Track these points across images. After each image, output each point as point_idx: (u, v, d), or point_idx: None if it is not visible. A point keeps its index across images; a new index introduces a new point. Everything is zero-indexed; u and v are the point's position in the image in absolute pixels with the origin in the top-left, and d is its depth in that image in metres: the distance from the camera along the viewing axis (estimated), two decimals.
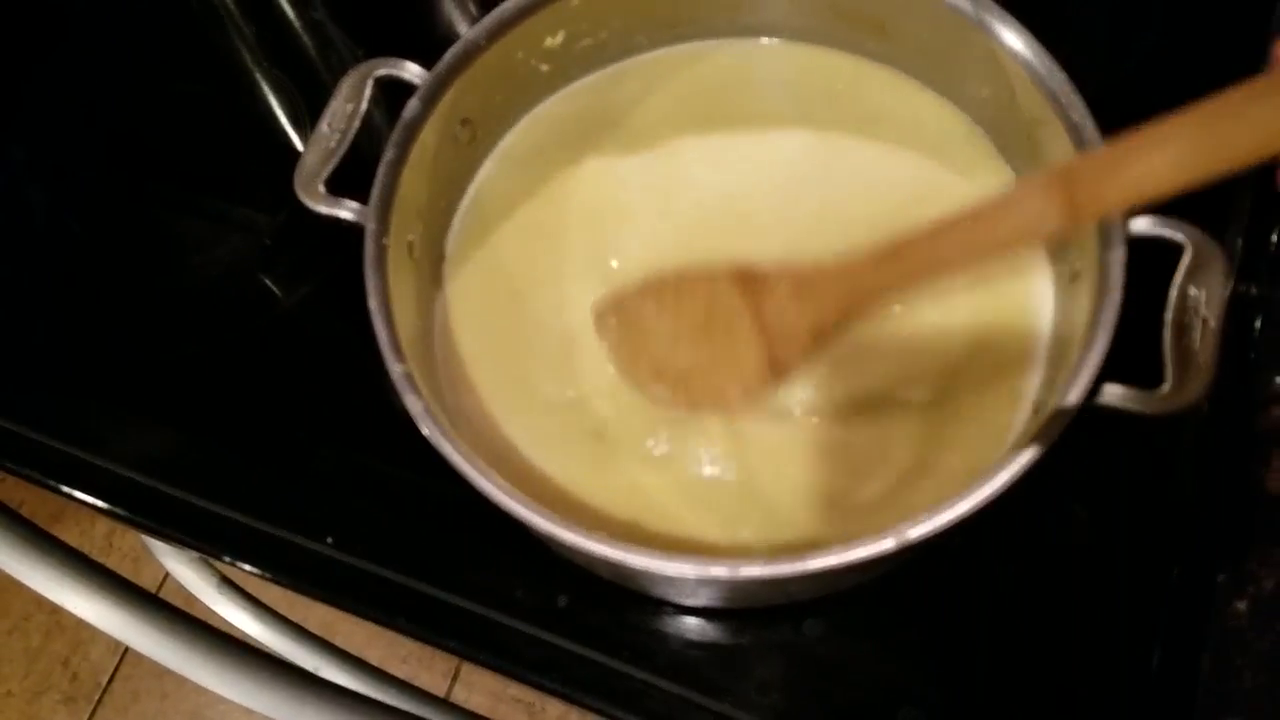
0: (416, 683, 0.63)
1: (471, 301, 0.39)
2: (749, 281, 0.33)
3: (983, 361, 0.36)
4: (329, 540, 0.39)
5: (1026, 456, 0.29)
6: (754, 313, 0.33)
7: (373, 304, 0.33)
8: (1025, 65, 0.35)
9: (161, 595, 0.94)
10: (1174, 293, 0.31)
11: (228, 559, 0.39)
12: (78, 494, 0.41)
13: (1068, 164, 0.27)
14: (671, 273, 0.35)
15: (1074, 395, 0.30)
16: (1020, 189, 0.28)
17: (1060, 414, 0.30)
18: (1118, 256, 0.31)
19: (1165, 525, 0.36)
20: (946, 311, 0.37)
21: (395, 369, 0.32)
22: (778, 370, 0.33)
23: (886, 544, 0.28)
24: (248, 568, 0.39)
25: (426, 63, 0.38)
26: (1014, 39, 0.35)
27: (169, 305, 0.46)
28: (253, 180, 0.49)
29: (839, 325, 0.32)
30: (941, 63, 0.39)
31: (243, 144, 0.51)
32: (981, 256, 0.29)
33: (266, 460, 0.42)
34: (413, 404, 0.31)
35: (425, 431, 0.31)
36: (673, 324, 0.35)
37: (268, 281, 0.46)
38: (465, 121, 0.39)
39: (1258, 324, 0.38)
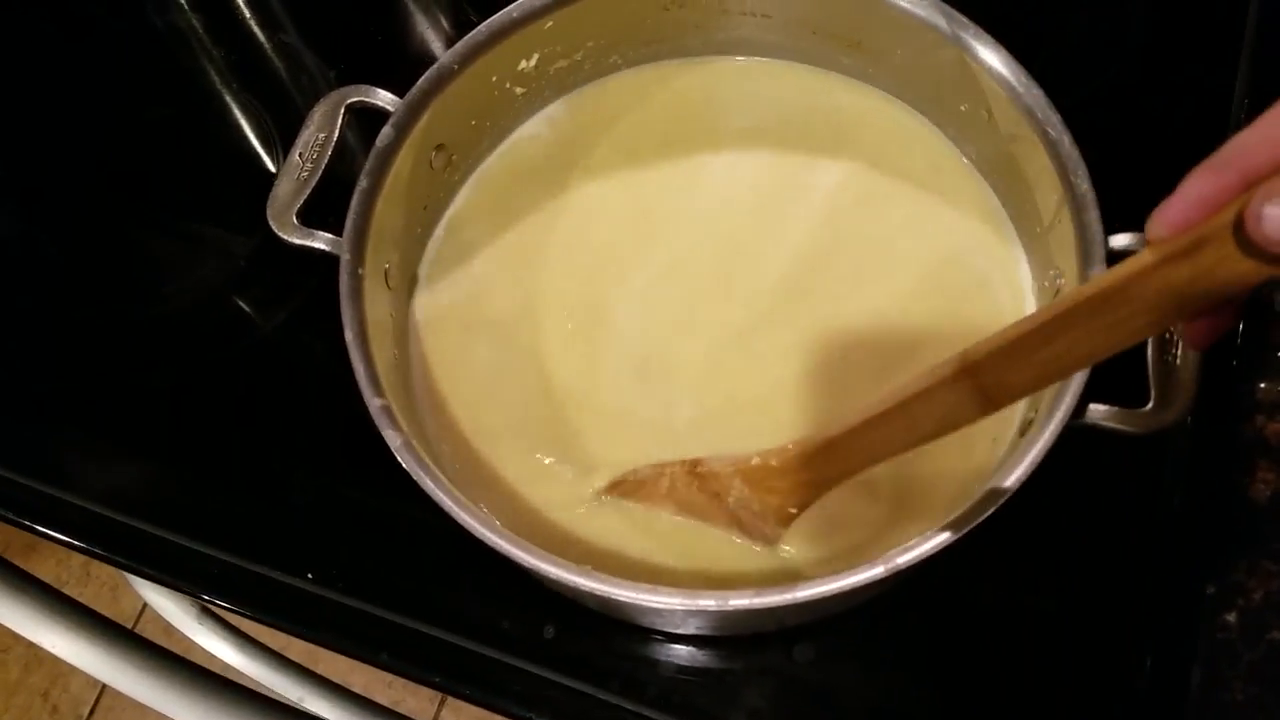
0: (402, 708, 0.62)
1: (448, 330, 0.39)
2: (703, 479, 0.34)
3: None
4: (309, 575, 0.38)
5: (1013, 479, 0.29)
6: (719, 503, 0.34)
7: (349, 336, 0.33)
8: (1001, 81, 0.35)
9: (140, 625, 0.93)
10: None
11: (205, 597, 0.39)
12: (50, 532, 0.40)
13: (967, 355, 0.27)
14: (633, 472, 0.36)
15: (1059, 416, 0.29)
16: (934, 387, 0.28)
17: (1046, 435, 0.29)
18: (1099, 273, 0.31)
19: (1152, 537, 0.36)
20: (928, 329, 0.37)
21: (374, 403, 0.32)
22: (764, 539, 0.34)
23: (876, 571, 0.28)
24: (225, 605, 0.38)
25: (399, 85, 0.37)
26: (990, 55, 0.35)
27: (142, 332, 0.45)
28: (226, 203, 0.48)
29: (800, 508, 0.33)
30: (918, 79, 0.39)
31: (215, 167, 0.50)
32: (907, 449, 0.30)
33: (243, 493, 0.41)
34: (392, 438, 0.31)
35: (406, 465, 0.30)
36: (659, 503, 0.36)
37: (244, 305, 0.46)
38: (440, 147, 0.39)
39: (1239, 331, 0.38)
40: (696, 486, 0.34)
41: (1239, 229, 0.20)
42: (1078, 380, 0.30)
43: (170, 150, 0.50)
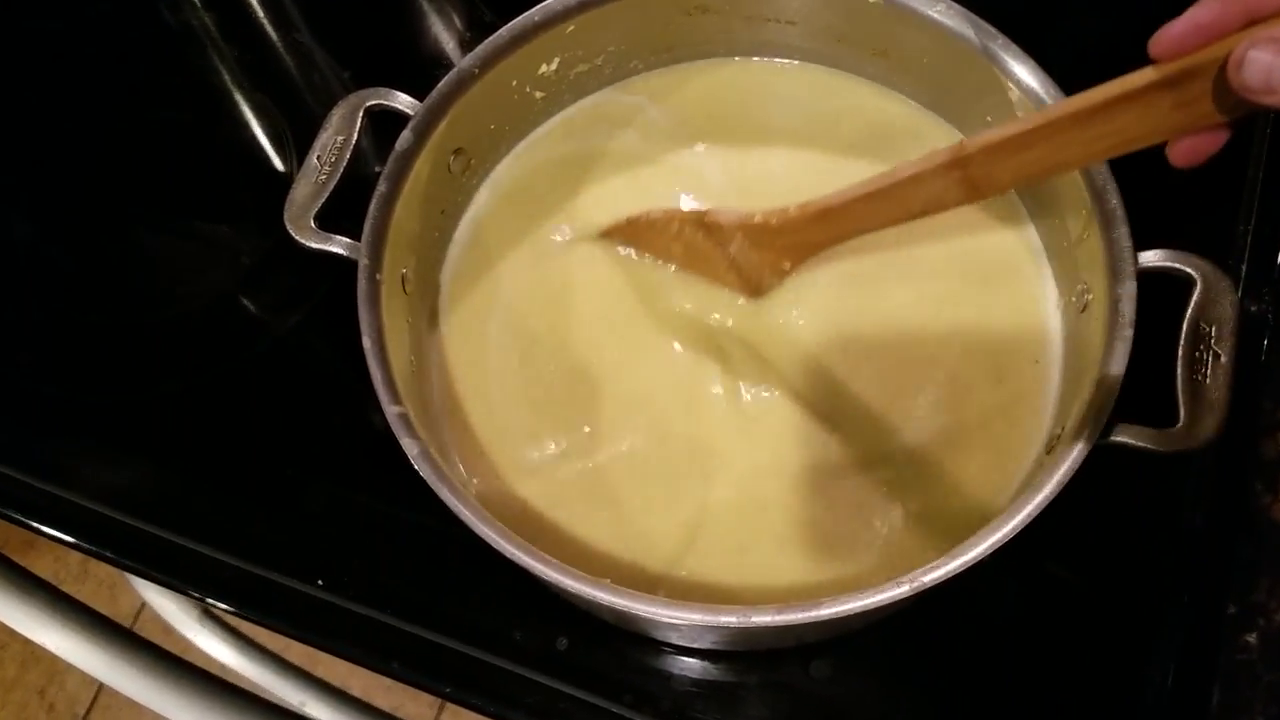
0: (401, 713, 0.62)
1: (469, 336, 0.38)
2: (710, 229, 0.37)
3: (992, 397, 0.36)
4: (319, 582, 0.38)
5: (1040, 498, 0.29)
6: (722, 251, 0.37)
7: (367, 342, 0.32)
8: (1029, 93, 0.34)
9: (139, 625, 0.92)
10: (1185, 327, 0.31)
11: (214, 602, 0.38)
12: (63, 536, 0.40)
13: (963, 147, 0.29)
14: (644, 214, 0.38)
15: (1087, 435, 0.29)
16: (925, 171, 0.30)
17: (1074, 453, 0.29)
18: (1128, 291, 0.31)
19: (1173, 557, 0.36)
20: (950, 339, 0.37)
21: (391, 410, 0.31)
22: (756, 290, 0.37)
23: (901, 590, 0.28)
24: (234, 611, 0.38)
25: (413, 86, 0.37)
26: (1018, 66, 0.34)
27: (154, 336, 0.45)
28: (238, 206, 0.48)
29: (793, 265, 0.37)
30: (945, 88, 0.39)
31: (226, 169, 0.49)
32: (896, 222, 0.33)
33: (254, 499, 0.40)
34: (409, 446, 0.30)
35: (424, 474, 0.30)
36: (663, 250, 0.38)
37: (255, 310, 0.45)
38: (459, 151, 0.38)
39: (1264, 345, 0.38)
40: (702, 234, 0.37)
41: (1224, 68, 0.22)
42: (1107, 399, 0.29)
43: (182, 151, 0.49)
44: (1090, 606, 0.36)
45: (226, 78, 0.52)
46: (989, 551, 0.28)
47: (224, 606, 0.38)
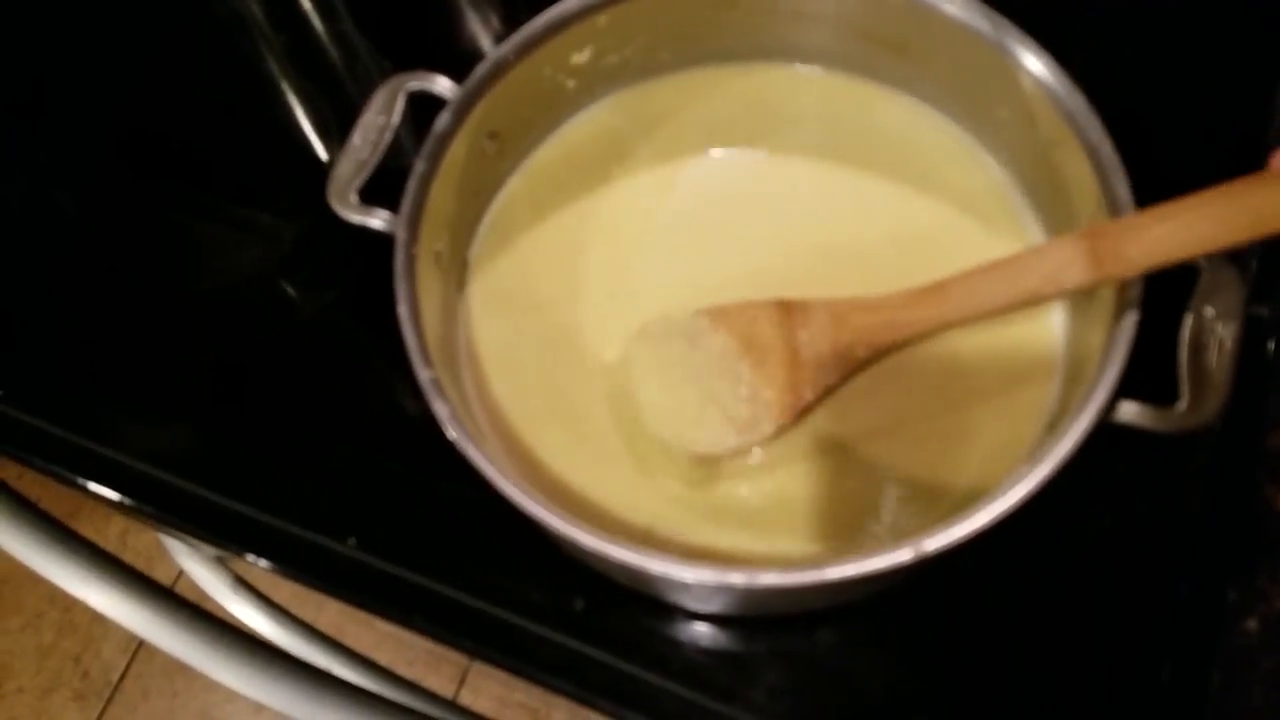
0: (424, 685, 0.64)
1: (494, 312, 0.40)
2: (789, 311, 0.36)
3: (996, 377, 0.37)
4: (350, 541, 0.39)
5: (1044, 472, 0.30)
6: (789, 341, 0.35)
7: (402, 311, 0.34)
8: (1043, 86, 0.35)
9: (177, 589, 0.95)
10: (1190, 313, 0.32)
11: (250, 556, 0.40)
12: (97, 488, 0.42)
13: (1094, 226, 0.30)
14: (715, 306, 0.37)
15: (1090, 413, 0.30)
16: (1050, 244, 0.31)
17: (1076, 431, 0.30)
18: (1136, 276, 0.32)
19: (1175, 542, 0.37)
20: (958, 329, 0.38)
21: (424, 374, 0.33)
22: (801, 402, 0.35)
23: (903, 555, 0.29)
24: (266, 564, 0.40)
25: (451, 75, 0.39)
26: (1032, 60, 0.35)
27: (191, 308, 0.47)
28: (277, 188, 0.50)
29: (867, 358, 0.35)
30: (960, 85, 0.40)
31: (268, 152, 0.51)
32: (1013, 305, 0.32)
33: (287, 460, 0.42)
34: (440, 409, 0.32)
35: (452, 435, 0.32)
36: (706, 355, 0.37)
37: (289, 288, 0.47)
38: (493, 135, 0.40)
39: (1270, 346, 0.39)
40: (773, 319, 0.35)
41: None
42: (1111, 378, 0.30)
43: (225, 134, 0.51)
44: (1091, 589, 0.37)
45: (273, 65, 0.54)
46: (993, 521, 0.29)
47: (262, 562, 0.40)
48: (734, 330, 0.36)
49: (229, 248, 0.49)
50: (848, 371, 0.35)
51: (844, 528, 0.35)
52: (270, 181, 0.50)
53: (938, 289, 0.33)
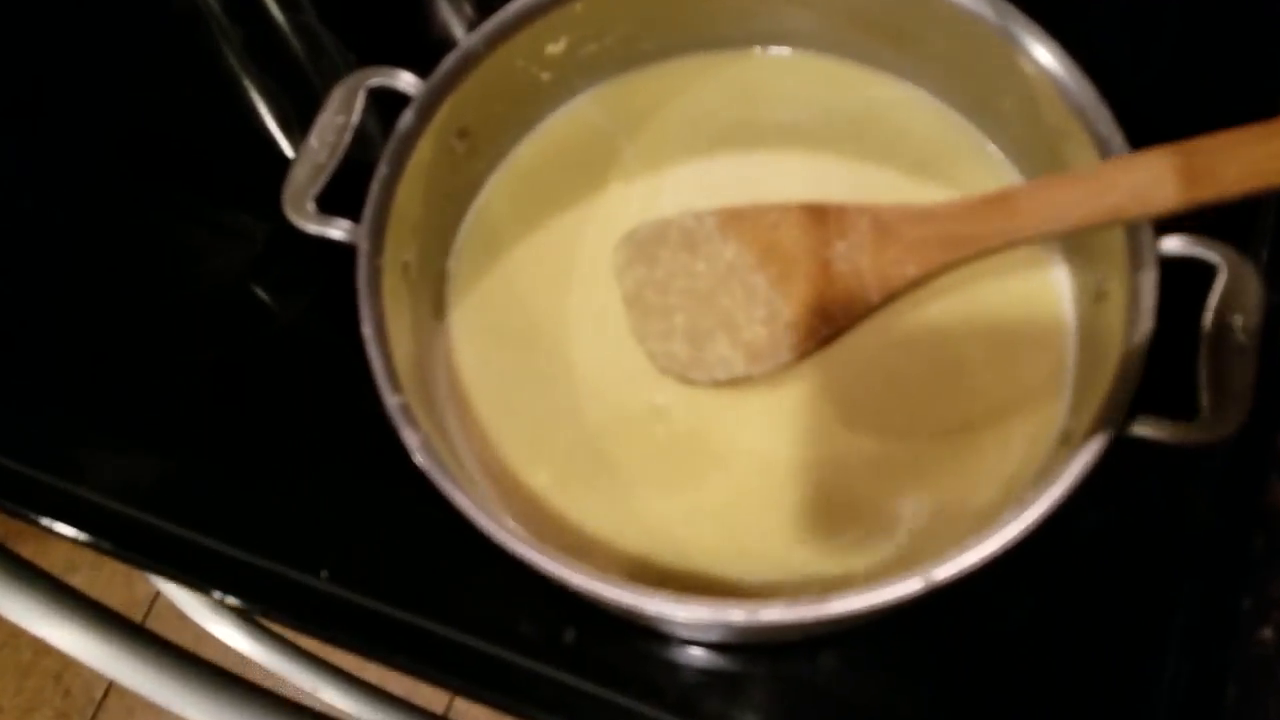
0: (416, 698, 0.62)
1: (477, 327, 0.38)
2: (821, 217, 0.30)
3: (1003, 387, 0.35)
4: (324, 574, 0.37)
5: (1059, 491, 0.28)
6: (819, 253, 0.30)
7: (366, 330, 0.32)
8: (1051, 76, 0.33)
9: (155, 610, 0.92)
10: (1208, 316, 0.30)
11: (217, 594, 0.38)
12: (56, 526, 0.40)
13: (1188, 141, 0.25)
14: (727, 208, 0.32)
15: (1106, 428, 0.28)
16: (1135, 156, 0.26)
17: (1091, 448, 0.28)
18: (1149, 279, 0.30)
19: (1185, 548, 0.35)
20: (964, 334, 0.36)
21: (391, 400, 0.31)
22: (830, 326, 0.30)
23: (913, 586, 0.27)
24: (238, 602, 0.38)
25: (421, 70, 0.36)
26: (1040, 49, 0.33)
27: (155, 321, 0.44)
28: (242, 188, 0.47)
29: (915, 279, 0.29)
30: (961, 73, 0.38)
31: (232, 151, 0.49)
32: (1088, 224, 0.27)
33: (258, 487, 0.40)
34: (410, 438, 0.30)
35: (424, 467, 0.30)
36: (712, 266, 0.31)
37: (261, 294, 0.45)
38: (463, 133, 0.38)
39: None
40: (801, 225, 0.30)
41: None
42: (1126, 392, 0.29)
43: (185, 133, 0.49)
44: (1103, 601, 0.35)
45: (232, 59, 0.51)
46: (1006, 546, 0.27)
47: (230, 599, 0.38)
48: (750, 238, 0.30)
49: (195, 253, 0.46)
50: (890, 293, 0.30)
51: (847, 538, 0.33)
52: (236, 182, 0.47)
53: (1003, 200, 0.28)
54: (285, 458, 0.40)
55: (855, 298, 0.30)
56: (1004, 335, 0.36)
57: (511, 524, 0.29)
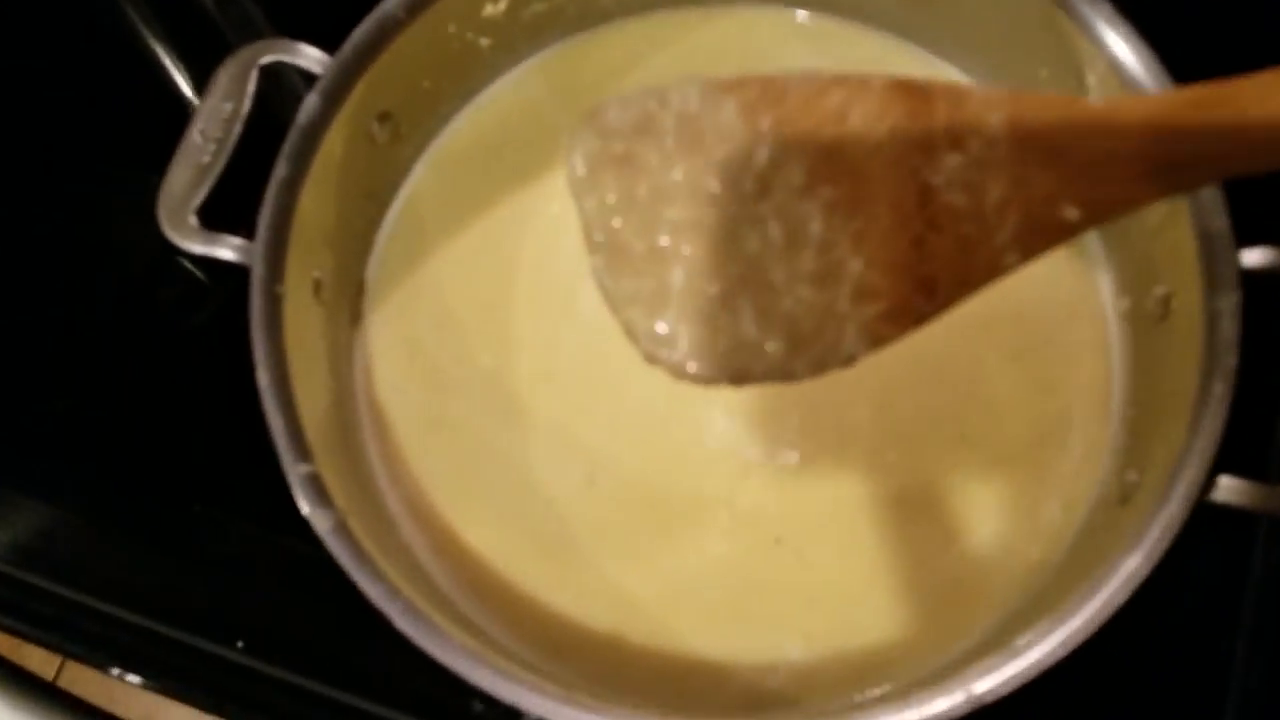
0: None
1: (401, 347, 0.32)
2: (924, 106, 0.18)
3: (1040, 407, 0.30)
4: (239, 644, 0.32)
5: (1125, 576, 0.23)
6: (916, 171, 0.18)
7: (263, 380, 0.25)
8: (1101, 44, 0.27)
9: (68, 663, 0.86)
10: None
11: (115, 671, 0.32)
12: None
13: None
14: (758, 75, 0.19)
15: (1182, 494, 0.23)
16: None
17: (1164, 518, 0.23)
18: (1230, 305, 0.24)
19: (1237, 606, 0.31)
20: (990, 345, 0.30)
21: (298, 470, 0.25)
22: (928, 298, 0.18)
23: (955, 700, 0.22)
24: (142, 681, 0.32)
25: (329, 44, 0.29)
26: (1090, 10, 0.27)
27: (31, 341, 0.37)
28: (134, 177, 0.40)
29: (1079, 224, 0.18)
30: (990, 37, 0.31)
31: (124, 133, 0.41)
32: None
33: (159, 545, 0.34)
34: (320, 520, 0.24)
35: (338, 556, 0.24)
36: (732, 182, 0.19)
37: (155, 307, 0.38)
38: (384, 117, 0.31)
39: None
40: (895, 119, 0.18)
41: None
42: (1206, 447, 0.23)
43: (72, 110, 0.41)
44: (1154, 659, 0.31)
45: (134, 22, 0.43)
46: (1065, 650, 0.22)
47: (124, 675, 0.32)
48: (795, 134, 0.18)
49: (82, 260, 0.39)
50: (1040, 251, 0.18)
51: (849, 611, 0.28)
52: (127, 169, 0.40)
53: (1216, 93, 0.17)
54: (187, 505, 0.34)
55: (976, 255, 0.18)
56: (1036, 351, 0.30)
57: (439, 620, 0.24)
